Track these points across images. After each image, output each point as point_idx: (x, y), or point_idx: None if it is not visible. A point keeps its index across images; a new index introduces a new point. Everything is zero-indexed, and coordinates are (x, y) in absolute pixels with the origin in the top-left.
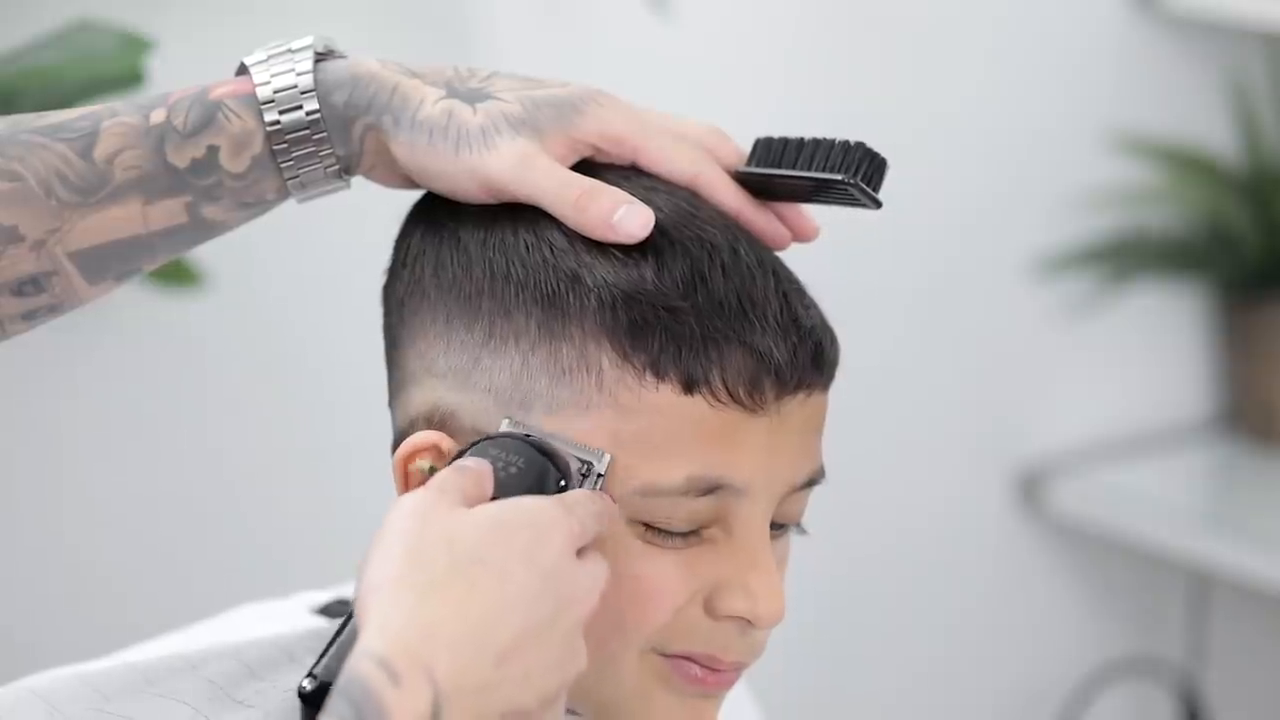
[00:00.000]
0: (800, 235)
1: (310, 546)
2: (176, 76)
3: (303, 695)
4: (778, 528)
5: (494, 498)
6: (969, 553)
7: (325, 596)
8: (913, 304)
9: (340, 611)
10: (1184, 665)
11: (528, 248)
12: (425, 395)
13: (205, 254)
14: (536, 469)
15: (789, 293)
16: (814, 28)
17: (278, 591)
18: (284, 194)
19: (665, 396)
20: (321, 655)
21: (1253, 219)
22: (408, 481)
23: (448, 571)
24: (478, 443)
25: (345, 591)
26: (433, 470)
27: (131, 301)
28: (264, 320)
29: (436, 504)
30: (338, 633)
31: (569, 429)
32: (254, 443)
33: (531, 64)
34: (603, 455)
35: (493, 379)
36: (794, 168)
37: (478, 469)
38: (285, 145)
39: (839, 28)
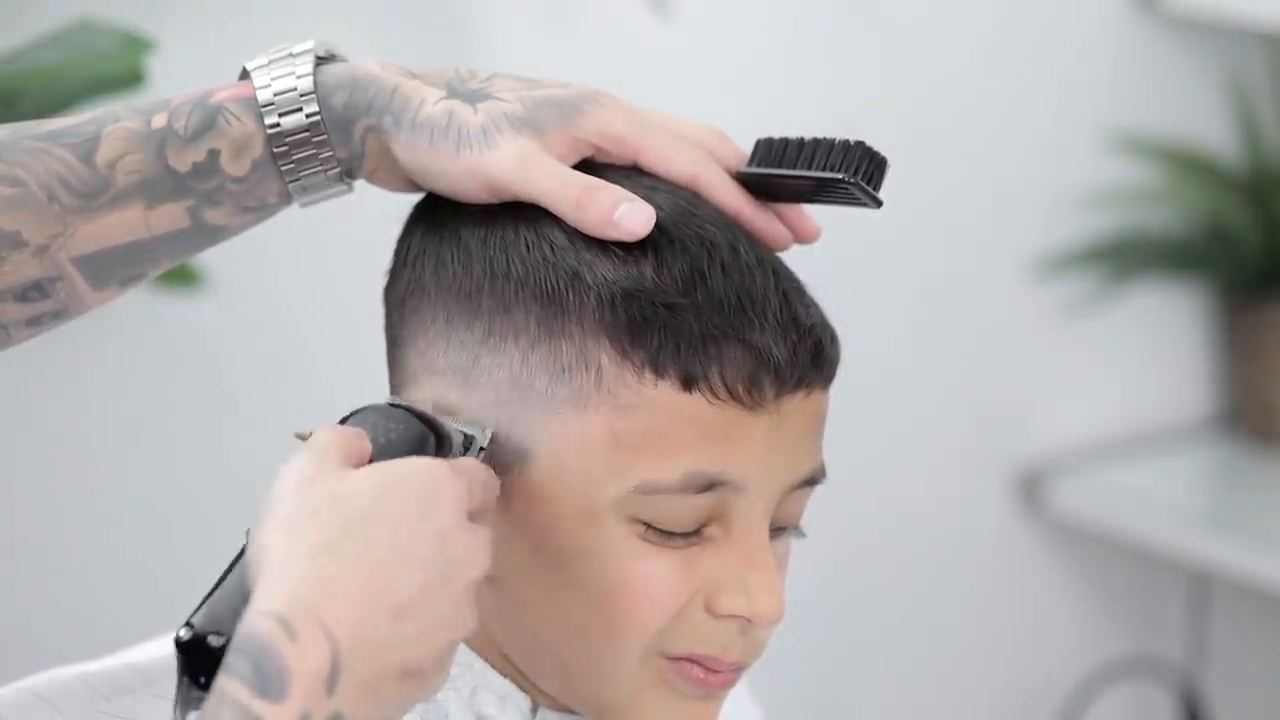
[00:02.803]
0: (801, 236)
1: None
2: (177, 77)
3: (179, 643)
4: (777, 529)
5: (370, 462)
6: (969, 553)
7: None
8: (913, 304)
9: None
10: (1184, 665)
11: (528, 246)
12: (425, 394)
13: (207, 254)
14: (414, 435)
15: (789, 291)
16: (814, 28)
17: None
18: (286, 198)
19: (664, 394)
20: (198, 606)
21: (1253, 219)
22: None
23: (340, 529)
24: (356, 412)
25: None
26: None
27: (133, 302)
28: (265, 321)
29: (322, 463)
30: (215, 585)
31: (568, 427)
32: (255, 443)
33: (531, 64)
34: (485, 429)
35: (492, 377)
36: (794, 168)
37: (354, 431)
38: (286, 148)
39: (839, 28)
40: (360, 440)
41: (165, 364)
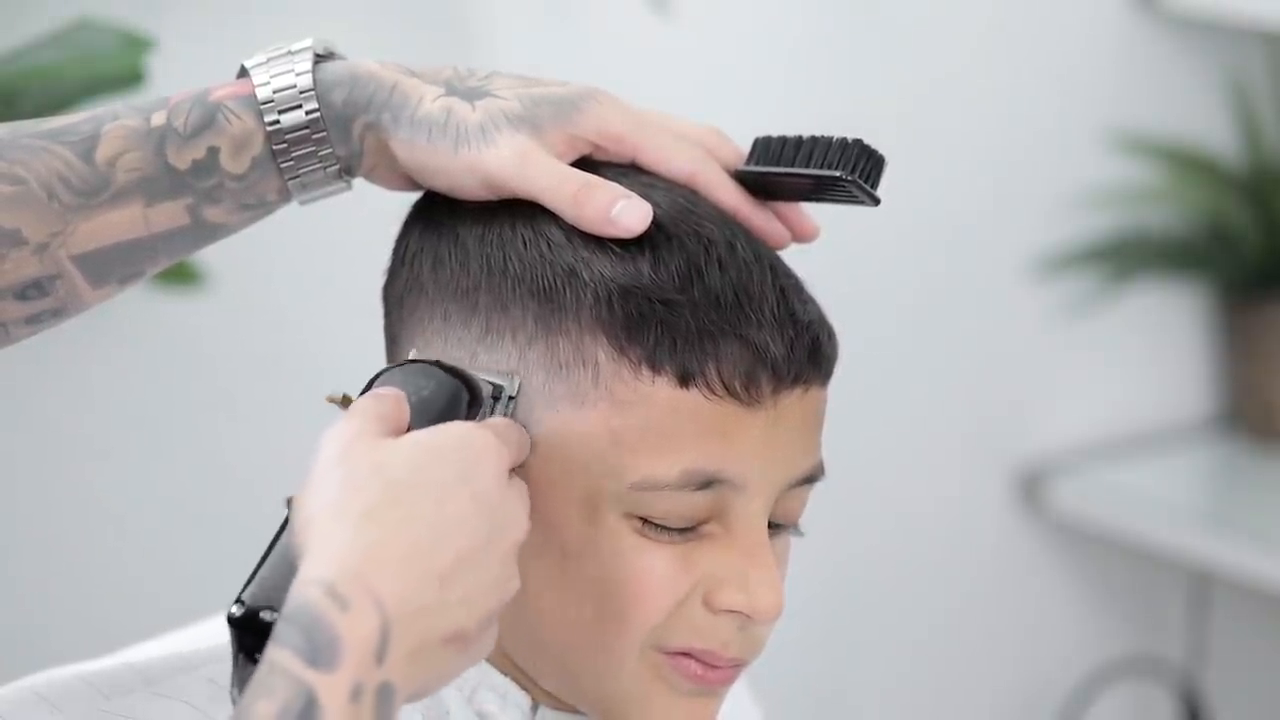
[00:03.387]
0: (800, 235)
1: None
2: (177, 76)
3: (231, 620)
4: (776, 527)
5: (409, 424)
6: (969, 552)
7: None
8: (913, 304)
9: None
10: (1184, 665)
11: (525, 243)
12: None
13: (207, 254)
14: (447, 392)
15: (786, 288)
16: (814, 27)
17: None
18: (285, 195)
19: (661, 390)
20: (247, 582)
21: (1253, 219)
22: None
23: (384, 497)
24: (384, 371)
25: None
26: (346, 401)
27: (133, 301)
28: (265, 320)
29: (362, 432)
30: (261, 560)
31: (566, 423)
32: (255, 442)
33: (531, 64)
34: (513, 378)
35: (489, 374)
36: (792, 166)
37: (394, 394)
38: (285, 145)
39: (839, 27)
40: (399, 405)
41: (165, 364)
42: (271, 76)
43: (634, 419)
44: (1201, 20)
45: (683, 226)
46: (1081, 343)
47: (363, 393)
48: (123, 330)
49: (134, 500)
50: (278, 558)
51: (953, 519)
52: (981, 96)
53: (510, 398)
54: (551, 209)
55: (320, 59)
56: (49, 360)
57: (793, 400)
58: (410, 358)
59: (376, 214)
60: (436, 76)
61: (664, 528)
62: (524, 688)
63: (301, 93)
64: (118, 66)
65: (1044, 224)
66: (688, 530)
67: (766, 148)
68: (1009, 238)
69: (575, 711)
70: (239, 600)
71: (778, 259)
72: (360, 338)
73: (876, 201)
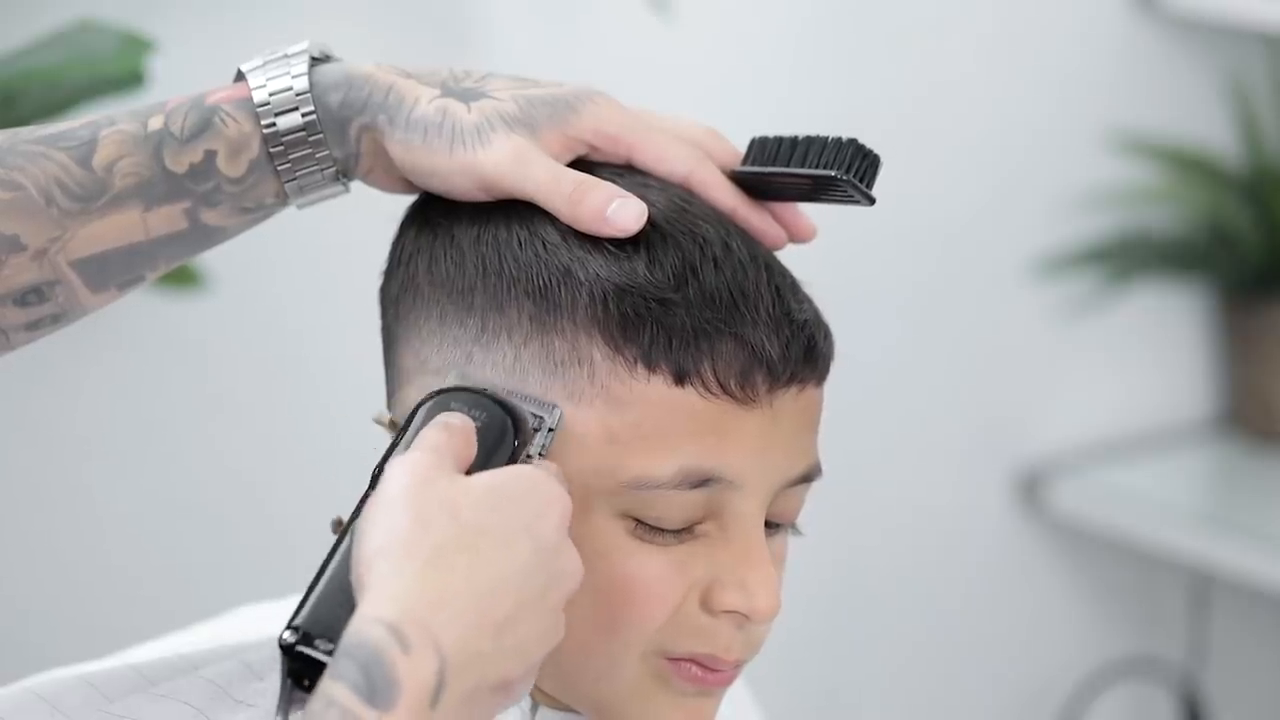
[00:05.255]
0: (796, 235)
1: (311, 547)
2: (177, 77)
3: (284, 646)
4: (773, 527)
5: None
6: (969, 553)
7: None
8: (912, 303)
9: None
10: (1184, 665)
11: (520, 243)
12: (420, 393)
13: (207, 254)
14: (498, 423)
15: (781, 287)
16: (814, 28)
17: (279, 592)
18: (283, 198)
19: (656, 388)
20: (299, 607)
21: (1253, 219)
22: None
23: (453, 540)
24: (436, 395)
25: None
26: (393, 425)
27: (133, 302)
28: (266, 321)
29: (436, 468)
30: (313, 584)
31: (529, 393)
32: (255, 443)
33: (531, 65)
34: (554, 409)
35: (486, 373)
36: (788, 166)
37: (464, 428)
38: (282, 148)
39: (839, 28)
40: (469, 440)
41: (165, 364)
42: (268, 79)
43: (629, 417)
44: (1201, 21)
45: (678, 226)
46: (1081, 343)
47: (411, 416)
48: (123, 331)
49: (134, 500)
50: (334, 586)
51: (953, 519)
52: (982, 97)
53: (550, 429)
54: (547, 209)
55: (316, 61)
56: (49, 361)
57: (788, 399)
58: (456, 384)
59: (375, 215)
60: (433, 78)
61: (659, 529)
62: None
63: (298, 95)
64: (118, 68)
65: (1044, 224)
66: (683, 532)
67: (763, 148)
68: (1009, 238)
69: (574, 712)
70: (292, 626)
71: (773, 258)
72: (359, 338)
73: (872, 201)
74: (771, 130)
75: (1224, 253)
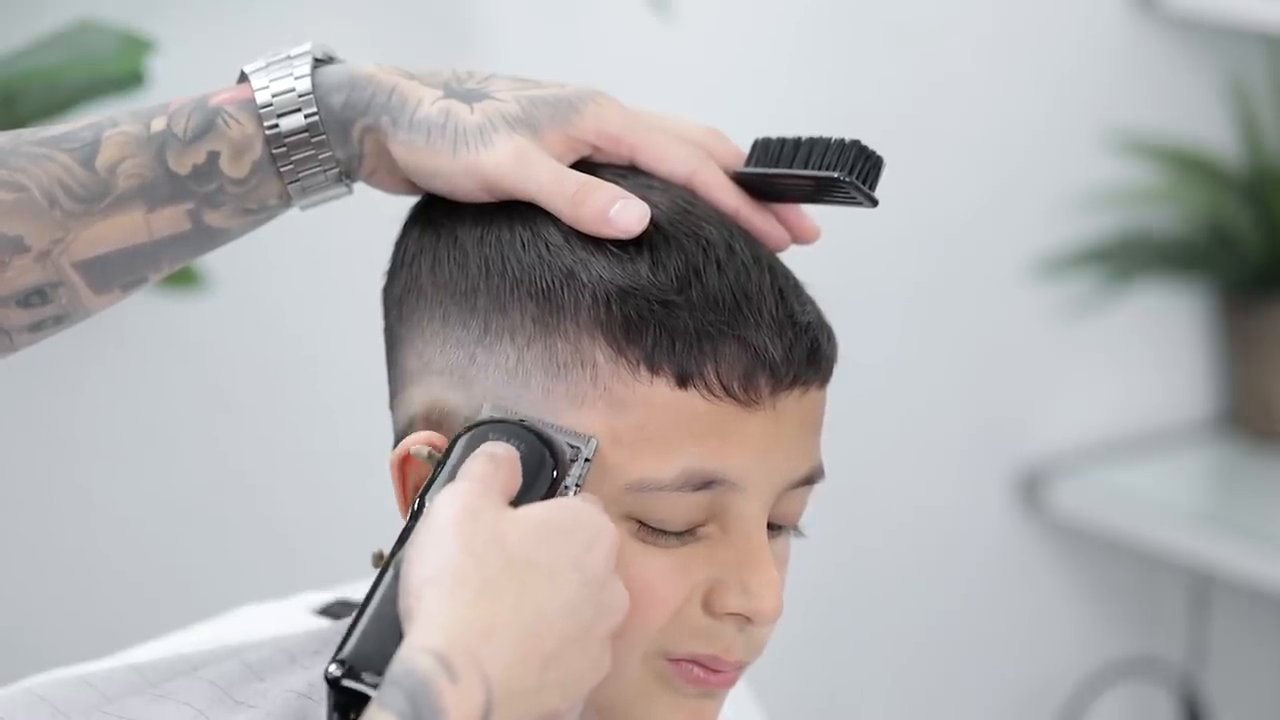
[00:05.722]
0: (800, 237)
1: (312, 547)
2: (177, 77)
3: (329, 679)
4: (776, 528)
5: None
6: (969, 553)
7: (326, 597)
8: (913, 304)
9: (341, 613)
10: (1184, 665)
11: (524, 244)
12: (423, 394)
13: (208, 255)
14: (537, 454)
15: (785, 289)
16: (814, 28)
17: (279, 592)
18: (286, 199)
19: (659, 391)
20: (344, 639)
21: (1253, 219)
22: (405, 482)
23: (502, 572)
24: (476, 427)
25: (346, 592)
26: (431, 456)
27: (133, 302)
28: (267, 321)
29: (484, 498)
30: (357, 616)
31: (565, 424)
32: (256, 444)
33: (532, 65)
34: (590, 440)
35: (489, 375)
36: (791, 167)
37: (509, 458)
38: (285, 149)
39: (839, 28)
40: (515, 472)
41: (166, 364)
42: (270, 81)
43: (632, 420)
44: (1201, 21)
45: (681, 228)
46: (1082, 343)
47: (450, 448)
48: (123, 331)
49: (134, 500)
50: (379, 618)
51: (953, 520)
52: (982, 97)
53: (587, 459)
54: (549, 210)
55: (320, 63)
56: (49, 360)
57: (791, 401)
58: (493, 415)
59: (377, 216)
60: (435, 79)
61: (662, 531)
62: None
63: (300, 96)
64: (118, 68)
65: (1044, 225)
66: (685, 534)
67: (765, 149)
68: (1009, 238)
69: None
70: (338, 659)
71: (776, 260)
72: (363, 339)
73: (874, 203)
74: (772, 131)
75: (1224, 253)
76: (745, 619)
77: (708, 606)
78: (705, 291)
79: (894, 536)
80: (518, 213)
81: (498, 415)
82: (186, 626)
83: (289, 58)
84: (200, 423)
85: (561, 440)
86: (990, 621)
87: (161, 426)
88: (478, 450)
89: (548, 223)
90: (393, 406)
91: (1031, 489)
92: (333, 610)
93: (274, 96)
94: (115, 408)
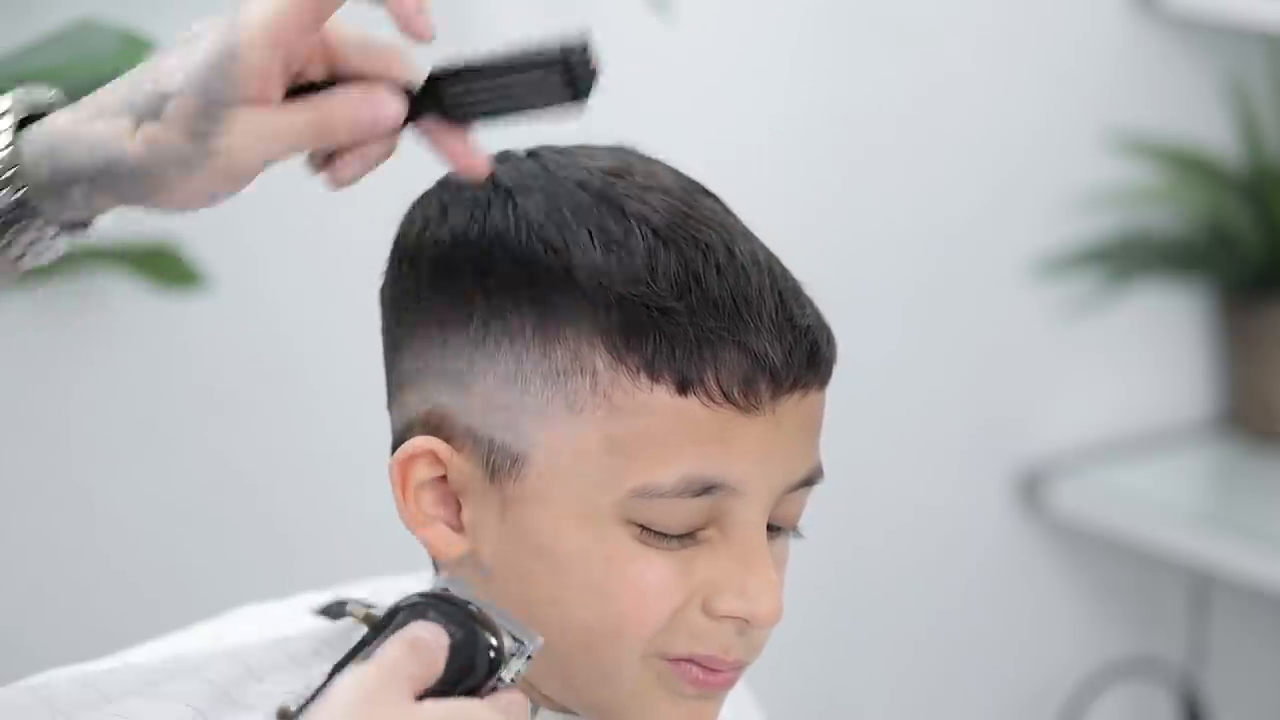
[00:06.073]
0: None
1: (312, 547)
2: None
3: None
4: (775, 530)
5: None
6: (969, 553)
7: (325, 597)
8: (912, 304)
9: (340, 613)
10: (1184, 665)
11: (521, 250)
12: (421, 398)
13: (207, 255)
14: (474, 642)
15: (784, 291)
16: (814, 28)
17: (279, 592)
18: (19, 269)
19: (659, 397)
20: None
21: (1253, 219)
22: (404, 485)
23: None
24: (420, 602)
25: (345, 592)
26: (367, 619)
27: (133, 302)
28: (264, 321)
29: (385, 688)
30: None
31: (564, 431)
32: (254, 443)
33: None
34: (536, 638)
35: (487, 381)
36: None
37: (431, 646)
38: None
39: (839, 28)
40: (433, 663)
41: (165, 364)
42: None
43: (632, 426)
44: (1201, 21)
45: (680, 232)
46: (1082, 343)
47: (389, 616)
48: (122, 330)
49: (133, 500)
50: None
51: (953, 520)
52: (981, 97)
53: (529, 657)
54: (311, 151)
55: (26, 122)
56: (49, 361)
57: (791, 405)
58: (442, 591)
59: (376, 215)
60: (118, 101)
61: (662, 534)
62: (522, 689)
63: (6, 171)
64: (118, 68)
65: (1044, 225)
66: (685, 537)
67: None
68: (1009, 238)
69: (574, 713)
70: None
71: (776, 261)
72: (361, 339)
73: (584, 96)
74: (771, 130)
75: (1224, 253)
76: (744, 622)
77: (707, 609)
78: (705, 297)
79: (894, 536)
80: (516, 219)
81: (447, 595)
82: (186, 626)
83: None
84: (199, 422)
85: (506, 631)
86: (990, 621)
87: (160, 426)
88: (400, 632)
89: (545, 226)
90: (391, 408)
91: (1031, 489)
92: (332, 610)
93: None
94: (114, 407)
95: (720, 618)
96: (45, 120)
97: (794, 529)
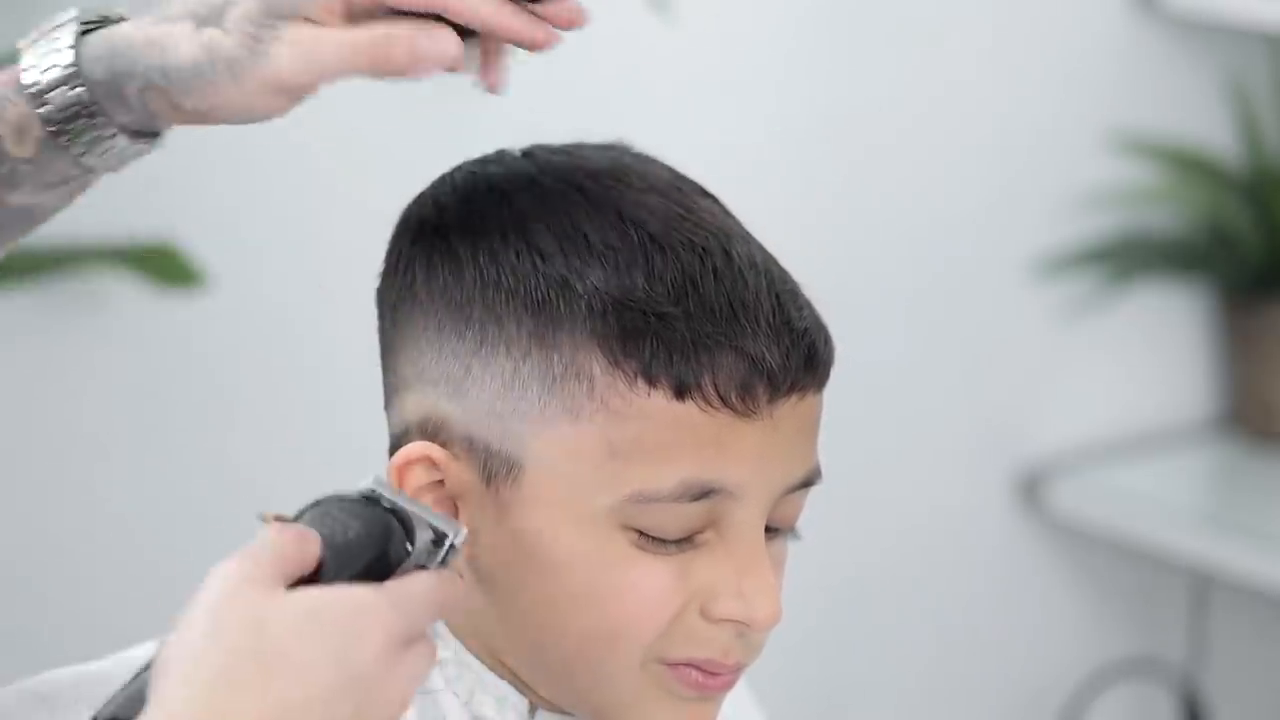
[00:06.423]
0: (568, 22)
1: None
2: None
3: None
4: (772, 531)
5: (321, 563)
6: (969, 553)
7: None
8: (913, 304)
9: None
10: (1184, 665)
11: (517, 255)
12: (418, 402)
13: (207, 254)
14: (378, 533)
15: (781, 294)
16: (815, 29)
17: None
18: (85, 169)
19: (657, 403)
20: (113, 696)
21: (1253, 219)
22: (403, 488)
23: (250, 659)
24: (321, 502)
25: None
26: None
27: (133, 302)
28: (265, 321)
29: (251, 578)
30: (136, 674)
31: (561, 436)
32: (254, 443)
33: (531, 64)
34: (460, 530)
35: (484, 386)
36: None
37: (301, 536)
38: (60, 126)
39: (840, 29)
40: (306, 546)
41: (165, 364)
42: (39, 58)
43: (630, 431)
44: (1202, 21)
45: (676, 236)
46: (1082, 344)
47: (299, 515)
48: (122, 330)
49: (134, 500)
50: (140, 681)
51: (953, 520)
52: (982, 97)
53: (452, 546)
54: (362, 79)
55: (90, 26)
56: (49, 361)
57: (789, 408)
58: (367, 487)
59: (376, 214)
60: (182, 8)
61: (660, 540)
62: (521, 691)
63: (66, 70)
64: None
65: (1045, 225)
66: (683, 541)
67: None
68: (1010, 238)
69: (572, 715)
70: (94, 716)
71: (775, 263)
72: (361, 339)
73: None
74: (771, 129)
75: (1224, 253)
76: (743, 625)
77: (705, 613)
78: (702, 301)
79: (894, 536)
80: (511, 222)
81: (370, 491)
82: None
83: (56, 27)
84: (200, 422)
85: (422, 519)
86: (990, 621)
87: (161, 425)
88: (270, 525)
89: (541, 232)
90: (388, 409)
91: (1032, 489)
92: None
93: (41, 74)
94: (114, 407)
95: (719, 621)
96: (109, 27)
97: (792, 530)
